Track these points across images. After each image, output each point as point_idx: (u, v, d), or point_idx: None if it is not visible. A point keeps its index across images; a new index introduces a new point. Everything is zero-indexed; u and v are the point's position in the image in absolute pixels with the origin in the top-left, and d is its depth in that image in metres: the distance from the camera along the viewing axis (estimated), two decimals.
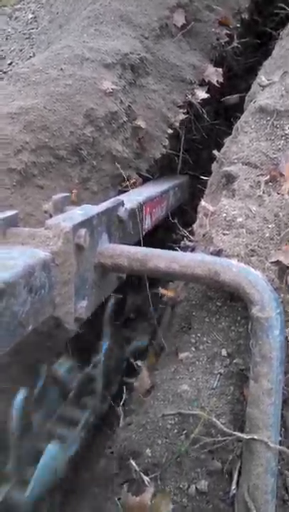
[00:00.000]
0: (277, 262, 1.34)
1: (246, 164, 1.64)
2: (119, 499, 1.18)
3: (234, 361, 1.25)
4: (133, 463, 1.18)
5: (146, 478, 1.14)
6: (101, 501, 1.23)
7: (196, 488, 1.14)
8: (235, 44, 2.75)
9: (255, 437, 1.08)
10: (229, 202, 1.52)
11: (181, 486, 1.15)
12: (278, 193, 1.54)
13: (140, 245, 1.64)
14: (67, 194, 1.58)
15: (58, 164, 1.96)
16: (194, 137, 2.66)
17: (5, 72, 2.96)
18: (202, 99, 2.53)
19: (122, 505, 1.18)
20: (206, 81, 2.60)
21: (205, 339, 1.30)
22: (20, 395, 1.40)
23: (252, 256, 1.35)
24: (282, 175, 1.58)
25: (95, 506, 1.25)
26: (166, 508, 1.10)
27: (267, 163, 1.62)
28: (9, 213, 1.27)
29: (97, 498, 1.25)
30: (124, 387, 1.53)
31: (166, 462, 1.16)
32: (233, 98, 2.68)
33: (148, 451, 1.18)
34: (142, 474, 1.15)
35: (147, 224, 1.90)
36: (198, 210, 1.67)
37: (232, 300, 1.31)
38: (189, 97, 2.52)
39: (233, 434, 1.13)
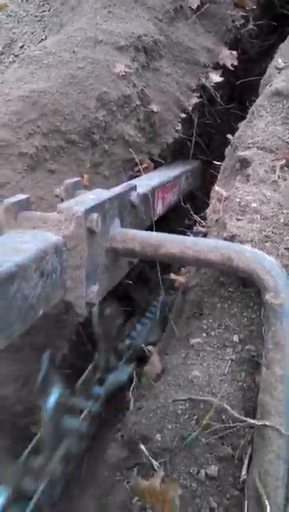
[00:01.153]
0: None
1: (261, 149, 1.61)
2: (128, 483, 1.19)
3: (246, 347, 1.24)
4: (143, 447, 1.18)
5: (155, 463, 1.14)
6: (110, 485, 1.24)
7: (206, 473, 1.13)
8: (250, 26, 2.69)
9: (267, 424, 1.08)
10: (243, 187, 1.50)
11: (190, 470, 1.15)
12: None
13: (152, 230, 1.63)
14: (79, 178, 1.56)
15: (70, 148, 1.95)
16: (207, 121, 2.62)
17: (17, 55, 2.94)
18: (216, 83, 2.48)
19: (131, 488, 1.18)
20: (221, 64, 2.55)
21: (216, 325, 1.29)
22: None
23: (266, 242, 1.33)
24: None
25: (104, 490, 1.25)
26: (175, 493, 1.10)
27: (282, 148, 1.59)
28: (21, 197, 1.26)
29: (106, 481, 1.26)
30: (135, 372, 1.53)
31: (176, 447, 1.16)
32: None
33: (158, 435, 1.18)
34: (151, 459, 1.15)
35: (159, 209, 1.89)
36: (211, 195, 1.65)
37: (244, 286, 1.30)
38: (203, 80, 2.47)
39: (245, 420, 1.12)
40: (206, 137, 2.70)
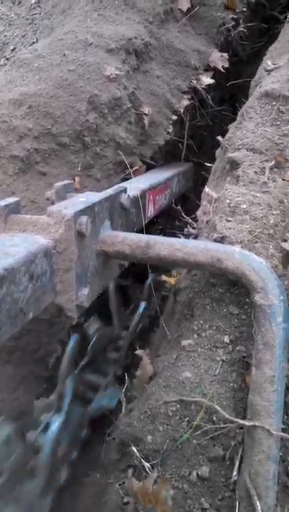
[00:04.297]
0: (282, 249, 1.33)
1: (251, 150, 1.61)
2: (120, 485, 1.19)
3: (237, 348, 1.24)
4: (134, 449, 1.18)
5: (147, 465, 1.15)
6: (102, 487, 1.24)
7: (198, 474, 1.14)
8: (241, 28, 2.70)
9: (257, 424, 1.08)
10: (233, 188, 1.50)
11: (182, 472, 1.15)
12: (283, 179, 1.52)
13: (143, 233, 1.63)
14: (70, 181, 1.56)
15: (61, 151, 1.95)
16: (199, 123, 2.63)
17: (8, 58, 2.94)
18: (207, 85, 2.49)
19: (125, 489, 1.18)
20: (211, 66, 2.56)
21: (207, 326, 1.29)
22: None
23: (256, 243, 1.34)
24: (287, 161, 1.56)
25: (96, 492, 1.25)
26: (167, 494, 1.10)
27: (272, 149, 1.59)
28: (11, 200, 1.26)
29: (99, 483, 1.26)
30: (127, 373, 1.53)
31: (167, 449, 1.16)
32: None
33: (149, 437, 1.18)
34: (142, 460, 1.16)
35: (150, 212, 1.89)
36: (202, 196, 1.66)
37: (235, 287, 1.30)
38: (194, 82, 2.48)
39: (235, 421, 1.13)
40: (197, 139, 2.71)
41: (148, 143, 2.28)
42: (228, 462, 1.14)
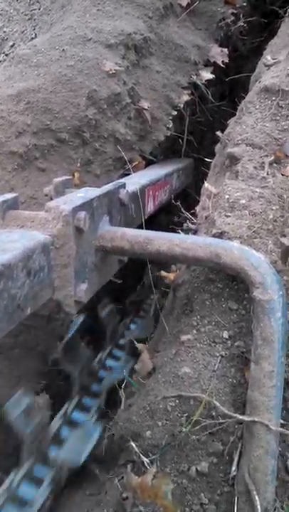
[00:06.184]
0: (281, 244, 1.33)
1: (250, 145, 1.61)
2: (119, 480, 1.19)
3: (235, 344, 1.24)
4: (133, 444, 1.18)
5: (146, 460, 1.15)
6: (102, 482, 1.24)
7: (197, 469, 1.14)
8: (241, 23, 2.69)
9: (256, 419, 1.08)
10: (232, 183, 1.50)
11: (181, 467, 1.15)
12: (283, 175, 1.52)
13: (142, 229, 1.62)
14: (69, 177, 1.56)
15: (60, 147, 1.95)
16: (199, 119, 2.62)
17: (7, 54, 2.93)
18: (207, 80, 2.48)
19: (124, 484, 1.18)
20: (211, 61, 2.55)
21: (206, 322, 1.29)
22: None
23: (255, 238, 1.33)
24: (286, 156, 1.55)
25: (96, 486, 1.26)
26: (167, 489, 1.10)
27: (271, 144, 1.59)
28: (9, 196, 1.26)
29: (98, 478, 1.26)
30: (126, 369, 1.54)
31: (166, 444, 1.16)
32: None
33: (148, 432, 1.18)
34: (142, 456, 1.16)
35: (150, 207, 1.89)
36: (201, 192, 1.65)
37: (234, 282, 1.30)
38: (194, 77, 2.47)
39: (234, 416, 1.13)
40: (197, 135, 2.70)
41: (148, 138, 2.27)
42: (227, 457, 1.14)
